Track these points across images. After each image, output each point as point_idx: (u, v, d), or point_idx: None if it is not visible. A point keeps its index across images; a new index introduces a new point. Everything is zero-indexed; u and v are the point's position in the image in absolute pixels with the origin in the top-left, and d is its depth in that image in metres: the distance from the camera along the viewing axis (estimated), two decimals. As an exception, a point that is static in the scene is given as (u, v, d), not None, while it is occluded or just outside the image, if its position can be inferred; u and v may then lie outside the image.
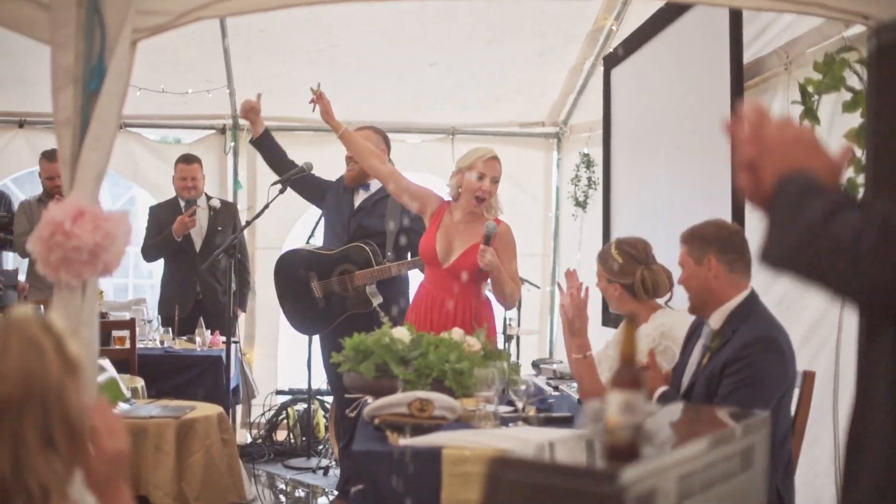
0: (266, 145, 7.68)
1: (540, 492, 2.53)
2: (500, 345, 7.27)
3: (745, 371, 4.15)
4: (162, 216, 8.84)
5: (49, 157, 8.60)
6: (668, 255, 5.73)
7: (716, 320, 4.43)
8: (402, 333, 5.06)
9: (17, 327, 2.19)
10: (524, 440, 4.09)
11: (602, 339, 5.61)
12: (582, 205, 9.65)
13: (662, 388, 4.49)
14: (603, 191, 8.70)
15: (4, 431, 2.10)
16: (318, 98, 6.56)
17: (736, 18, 5.81)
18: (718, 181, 5.91)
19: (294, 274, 7.41)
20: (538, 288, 9.67)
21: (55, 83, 3.77)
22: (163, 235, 8.64)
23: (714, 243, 4.45)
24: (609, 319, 7.87)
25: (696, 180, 6.53)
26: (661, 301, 5.25)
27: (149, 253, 8.88)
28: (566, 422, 4.73)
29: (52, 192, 8.58)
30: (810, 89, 4.86)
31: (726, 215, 5.58)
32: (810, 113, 4.90)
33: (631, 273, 5.16)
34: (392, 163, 7.01)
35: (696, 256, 4.45)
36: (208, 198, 8.87)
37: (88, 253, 3.67)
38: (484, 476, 2.54)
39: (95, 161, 3.73)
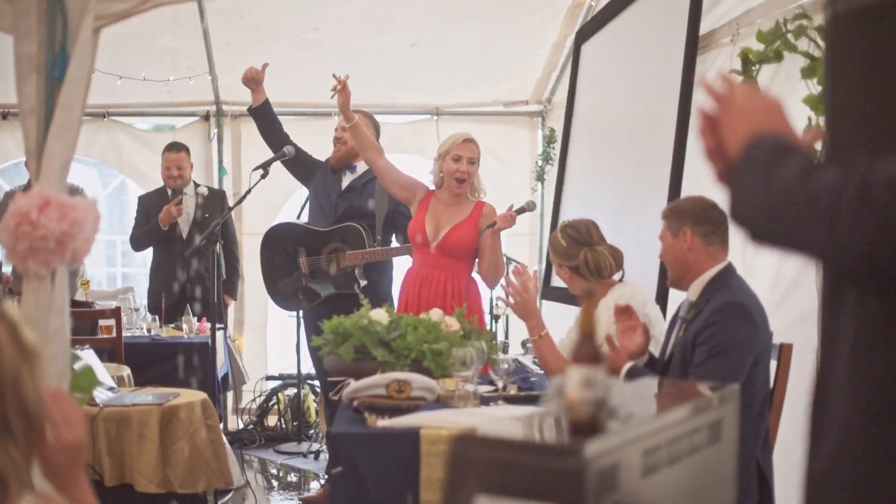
0: (264, 115, 7.70)
1: (503, 468, 2.53)
2: (488, 324, 7.26)
3: (714, 338, 4.19)
4: (150, 206, 8.83)
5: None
6: (618, 233, 5.78)
7: (693, 292, 4.48)
8: (380, 315, 5.06)
9: None
10: (500, 419, 4.09)
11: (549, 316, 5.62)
12: (540, 179, 9.69)
13: (628, 365, 4.49)
14: (558, 167, 8.71)
15: None
16: (342, 89, 6.59)
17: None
18: (664, 161, 5.93)
19: (282, 246, 7.45)
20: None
21: (19, 72, 3.76)
22: (149, 225, 8.64)
23: (689, 216, 4.49)
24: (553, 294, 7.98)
25: (645, 159, 6.55)
26: (616, 278, 5.27)
27: (137, 242, 8.88)
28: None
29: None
30: (752, 58, 4.89)
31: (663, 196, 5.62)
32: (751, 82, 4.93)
33: (575, 255, 5.18)
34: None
35: (674, 230, 4.49)
36: (196, 185, 8.85)
37: (55, 242, 3.65)
38: (447, 454, 2.54)
39: (61, 150, 3.72)
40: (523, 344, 7.68)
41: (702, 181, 5.67)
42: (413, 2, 8.15)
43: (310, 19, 8.39)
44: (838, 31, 2.71)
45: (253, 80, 7.61)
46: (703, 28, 5.91)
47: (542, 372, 5.72)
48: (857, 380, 2.03)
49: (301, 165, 7.67)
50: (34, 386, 2.19)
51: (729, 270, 4.45)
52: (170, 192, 8.76)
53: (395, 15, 8.37)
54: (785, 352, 4.51)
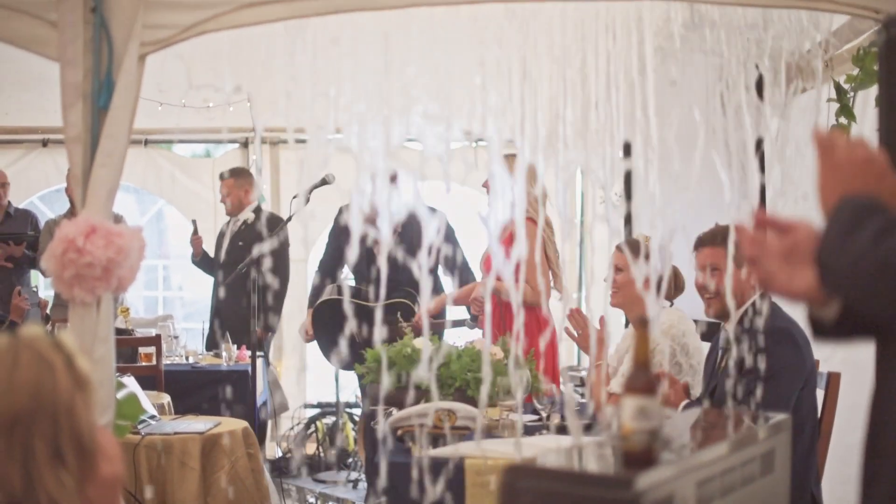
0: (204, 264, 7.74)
1: (555, 499, 2.50)
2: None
3: (762, 365, 4.14)
4: (218, 236, 8.96)
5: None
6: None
7: (731, 320, 4.45)
8: (424, 343, 5.02)
9: (28, 344, 2.21)
10: (545, 448, 4.04)
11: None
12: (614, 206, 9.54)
13: (685, 402, 4.44)
14: (624, 189, 8.62)
15: (15, 445, 2.11)
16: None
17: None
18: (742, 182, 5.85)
19: (335, 324, 7.41)
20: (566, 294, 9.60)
21: (65, 100, 3.77)
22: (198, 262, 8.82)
23: None
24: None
25: (720, 180, 6.48)
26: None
27: (194, 262, 9.10)
28: (588, 429, 4.69)
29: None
30: (846, 86, 4.80)
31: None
32: (846, 110, 4.84)
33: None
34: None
35: (739, 261, 4.43)
36: (252, 212, 8.78)
37: (101, 269, 3.65)
38: (499, 484, 2.51)
39: (107, 177, 3.72)
40: (562, 372, 7.64)
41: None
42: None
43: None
44: (893, 54, 2.68)
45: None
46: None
47: (583, 401, 5.68)
48: None
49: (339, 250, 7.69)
50: (87, 415, 2.22)
51: (768, 297, 4.43)
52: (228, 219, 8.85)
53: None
54: (833, 381, 4.46)
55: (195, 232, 8.74)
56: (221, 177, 8.84)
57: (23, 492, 2.11)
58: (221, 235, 8.82)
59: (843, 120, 4.86)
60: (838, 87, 4.86)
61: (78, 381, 2.21)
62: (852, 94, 4.81)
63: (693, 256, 4.78)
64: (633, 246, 5.15)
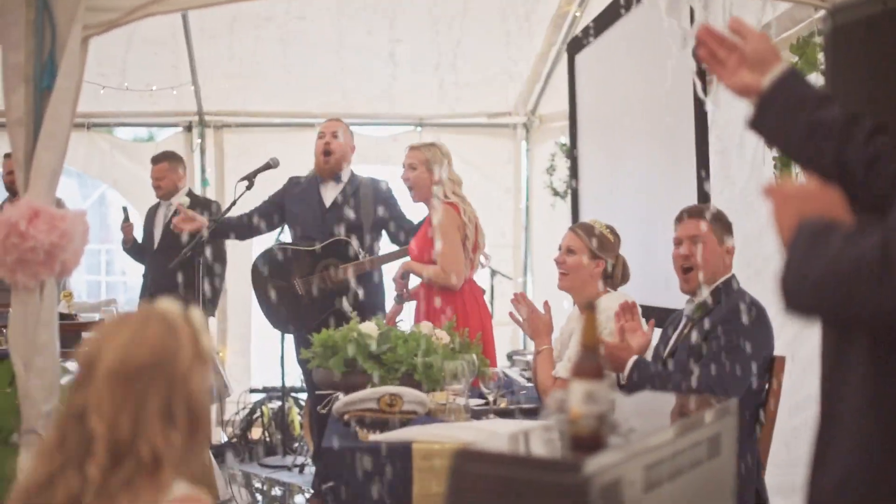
0: (222, 232, 7.61)
1: (504, 484, 2.50)
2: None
3: (732, 333, 4.24)
4: (145, 219, 8.86)
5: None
6: (640, 242, 5.69)
7: (699, 295, 4.55)
8: (370, 328, 5.02)
9: (160, 310, 2.35)
10: (493, 433, 4.05)
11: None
12: (562, 195, 9.55)
13: (634, 358, 4.48)
14: (570, 179, 8.64)
15: (130, 397, 2.22)
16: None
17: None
18: (684, 167, 5.87)
19: (273, 275, 7.33)
20: (510, 279, 9.63)
21: (7, 83, 3.74)
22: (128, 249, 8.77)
23: (729, 226, 4.62)
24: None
25: (663, 166, 6.49)
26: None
27: (125, 250, 8.98)
28: (535, 413, 4.70)
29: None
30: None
31: (692, 200, 5.55)
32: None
33: (613, 254, 5.13)
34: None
35: (720, 237, 4.57)
36: (185, 196, 8.73)
37: (45, 253, 3.63)
38: (448, 469, 2.51)
39: (50, 160, 3.69)
40: (508, 356, 7.66)
41: (721, 182, 5.66)
42: (392, 9, 8.05)
43: (294, 9, 8.25)
44: (838, 43, 2.70)
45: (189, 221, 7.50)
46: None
47: (530, 385, 5.69)
48: (876, 409, 2.12)
49: (268, 215, 7.63)
50: (202, 389, 2.33)
51: (734, 278, 4.59)
52: (158, 201, 8.76)
53: (376, 23, 8.27)
54: (778, 365, 4.49)
55: (126, 219, 8.68)
56: (154, 160, 8.77)
57: (129, 441, 2.21)
58: (150, 219, 8.75)
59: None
60: None
61: (199, 355, 2.32)
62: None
63: (645, 238, 4.82)
64: (587, 229, 5.17)
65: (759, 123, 2.55)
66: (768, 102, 2.53)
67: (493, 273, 9.13)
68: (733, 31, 2.59)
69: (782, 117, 2.44)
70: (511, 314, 5.29)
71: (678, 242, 4.61)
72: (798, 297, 2.08)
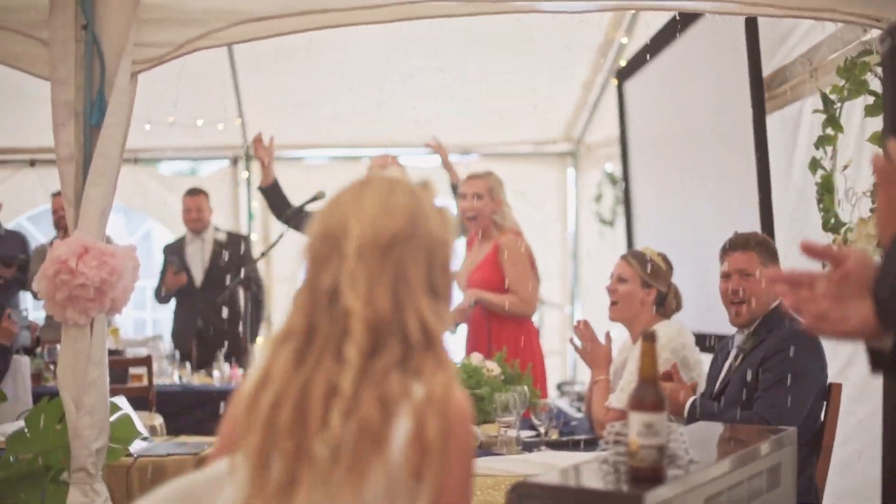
0: (273, 194, 7.58)
1: (562, 518, 2.47)
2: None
3: (785, 363, 4.20)
4: (171, 256, 8.84)
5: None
6: (696, 268, 5.62)
7: (750, 325, 4.49)
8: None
9: (394, 177, 2.20)
10: (547, 465, 4.01)
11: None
12: (610, 223, 9.51)
13: (692, 398, 4.42)
14: (624, 207, 8.60)
15: (388, 269, 2.06)
16: (438, 147, 6.59)
17: (752, 25, 5.71)
18: (744, 193, 5.82)
19: None
20: (558, 308, 9.60)
21: (56, 119, 3.74)
22: (163, 294, 8.71)
23: (777, 258, 4.55)
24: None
25: (720, 193, 6.44)
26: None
27: (160, 299, 8.95)
28: (590, 444, 4.65)
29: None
30: (832, 96, 4.78)
31: (754, 227, 5.49)
32: (832, 121, 4.82)
33: (666, 282, 5.07)
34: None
35: (768, 266, 4.49)
36: (215, 230, 8.83)
37: (95, 290, 3.62)
38: (505, 502, 2.48)
39: (99, 196, 3.69)
40: (559, 387, 7.61)
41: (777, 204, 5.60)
42: (430, 38, 8.03)
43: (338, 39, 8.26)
44: (897, 63, 2.67)
45: (265, 152, 7.47)
46: (773, 61, 5.79)
47: (580, 416, 5.64)
48: None
49: None
50: (454, 255, 2.19)
51: (783, 305, 4.44)
52: (189, 234, 8.76)
53: (417, 52, 8.26)
54: (834, 392, 4.41)
55: (179, 269, 8.64)
56: (192, 193, 8.80)
57: (391, 317, 2.04)
58: (178, 254, 8.75)
59: (829, 131, 4.85)
60: (825, 98, 4.84)
61: (445, 220, 2.18)
62: (839, 104, 4.79)
63: (701, 264, 4.78)
64: (638, 257, 5.12)
65: None
66: None
67: (542, 302, 9.09)
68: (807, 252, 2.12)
69: None
70: (571, 340, 5.23)
71: (726, 276, 4.55)
72: (888, 313, 1.94)
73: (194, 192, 8.84)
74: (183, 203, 8.85)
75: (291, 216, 7.22)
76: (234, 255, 8.60)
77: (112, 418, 3.95)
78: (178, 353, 8.35)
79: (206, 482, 2.12)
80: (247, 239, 9.01)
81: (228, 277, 8.09)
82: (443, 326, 2.09)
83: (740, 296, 4.45)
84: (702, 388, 4.67)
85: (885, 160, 2.04)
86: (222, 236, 8.83)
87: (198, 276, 8.69)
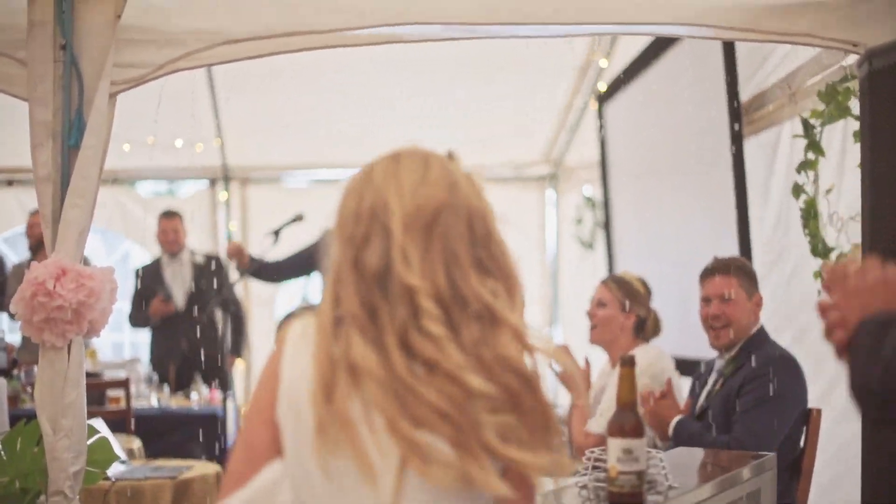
0: (257, 269, 7.64)
1: (542, 545, 2.45)
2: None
3: (764, 388, 4.23)
4: (146, 278, 8.79)
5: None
6: (676, 291, 5.63)
7: (731, 349, 4.51)
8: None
9: (426, 150, 2.10)
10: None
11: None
12: (590, 245, 9.50)
13: (678, 418, 4.42)
14: (605, 230, 8.61)
15: (436, 243, 1.96)
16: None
17: (729, 49, 5.75)
18: (723, 216, 5.84)
19: None
20: (538, 331, 9.58)
21: (34, 139, 3.72)
22: (144, 312, 8.62)
23: (755, 279, 4.57)
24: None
25: (699, 216, 6.46)
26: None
27: (135, 325, 8.92)
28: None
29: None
30: (812, 121, 4.79)
31: (733, 250, 5.51)
32: (814, 146, 4.83)
33: (645, 306, 5.07)
34: None
35: (749, 291, 4.52)
36: (192, 253, 8.81)
37: (72, 312, 3.60)
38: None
39: (78, 217, 3.67)
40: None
41: (755, 227, 5.61)
42: (413, 63, 8.04)
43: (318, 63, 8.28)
44: (876, 87, 2.67)
45: (238, 254, 7.56)
46: (750, 85, 5.81)
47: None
48: None
49: (295, 268, 7.66)
50: (499, 231, 2.08)
51: (764, 330, 4.53)
52: (165, 257, 8.72)
53: (394, 77, 8.27)
54: (814, 418, 4.41)
55: (168, 297, 8.60)
56: (168, 215, 8.78)
57: (451, 293, 1.93)
58: (156, 277, 8.71)
59: (811, 155, 4.87)
60: (805, 123, 4.86)
61: (481, 192, 2.09)
62: (819, 128, 4.81)
63: (681, 287, 4.78)
64: (617, 281, 5.13)
65: None
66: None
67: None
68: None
69: None
70: (550, 365, 5.20)
71: (706, 300, 4.56)
72: (870, 399, 1.96)
73: (170, 215, 8.82)
74: (159, 225, 8.82)
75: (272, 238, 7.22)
76: (212, 278, 8.58)
77: (90, 441, 3.92)
78: (156, 376, 8.31)
79: (263, 491, 1.99)
80: (222, 260, 8.99)
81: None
82: (502, 303, 1.97)
83: (721, 320, 4.46)
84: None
85: (833, 267, 2.13)
86: (200, 259, 8.81)
87: (179, 300, 8.65)
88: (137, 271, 8.99)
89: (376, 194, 1.99)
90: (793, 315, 5.21)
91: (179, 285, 8.66)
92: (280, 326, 7.40)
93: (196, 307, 8.25)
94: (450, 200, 2.00)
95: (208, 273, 8.66)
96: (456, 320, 1.93)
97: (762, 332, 4.50)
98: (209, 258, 8.93)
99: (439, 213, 1.98)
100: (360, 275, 1.96)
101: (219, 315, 7.96)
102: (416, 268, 1.93)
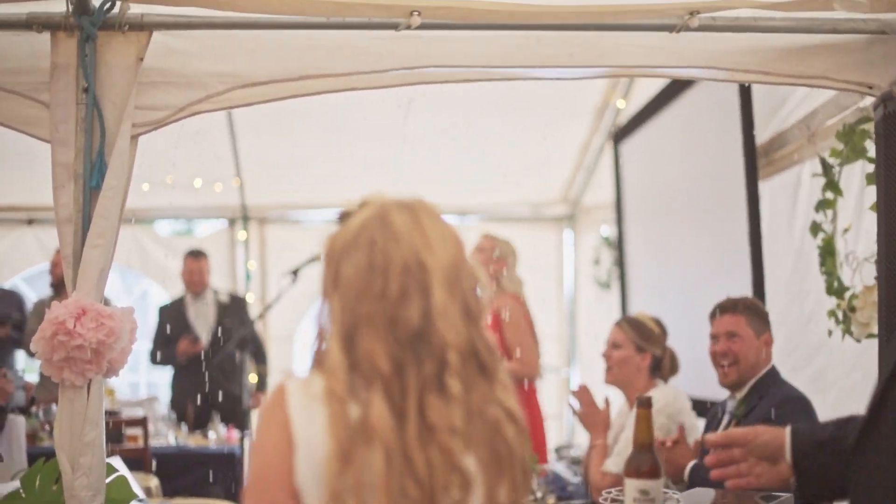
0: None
1: (559, 586, 2.46)
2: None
3: None
4: (170, 317, 8.83)
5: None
6: (691, 332, 5.63)
7: (741, 390, 4.49)
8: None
9: (427, 203, 2.13)
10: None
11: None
12: (606, 285, 9.49)
13: (692, 463, 4.41)
14: (619, 270, 8.62)
15: (459, 297, 1.99)
16: None
17: (745, 91, 5.77)
18: (737, 257, 5.84)
19: None
20: (556, 370, 9.58)
21: (56, 181, 3.75)
22: (168, 351, 8.65)
23: (767, 321, 4.57)
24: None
25: (714, 257, 6.47)
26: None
27: (155, 360, 8.93)
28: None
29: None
30: (831, 160, 4.81)
31: (746, 291, 5.51)
32: (832, 185, 4.85)
33: (660, 346, 5.08)
34: None
35: (757, 330, 4.52)
36: (216, 293, 8.86)
37: (92, 352, 3.62)
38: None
39: (98, 258, 3.70)
40: (556, 451, 7.58)
41: (774, 267, 5.60)
42: (429, 103, 8.07)
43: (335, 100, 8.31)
44: (890, 131, 2.68)
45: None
46: (770, 125, 5.82)
47: (576, 480, 5.62)
48: None
49: None
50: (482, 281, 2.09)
51: (775, 371, 4.51)
52: (189, 296, 8.75)
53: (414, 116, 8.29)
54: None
55: (195, 339, 8.64)
56: (195, 255, 8.83)
57: (469, 346, 1.97)
58: (180, 316, 8.76)
59: (829, 195, 4.88)
60: (823, 163, 4.87)
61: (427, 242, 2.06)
62: (838, 168, 4.82)
63: (695, 328, 4.79)
64: (632, 322, 5.15)
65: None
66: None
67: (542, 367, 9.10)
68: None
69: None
70: (570, 404, 5.25)
71: (714, 338, 4.58)
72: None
73: (197, 255, 8.87)
74: (185, 264, 8.86)
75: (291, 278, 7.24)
76: (236, 318, 8.61)
77: (108, 479, 3.93)
78: (174, 414, 8.34)
79: None
80: (244, 302, 9.05)
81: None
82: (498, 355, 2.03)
83: (728, 357, 4.47)
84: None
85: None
86: (225, 298, 8.86)
87: (203, 338, 8.68)
88: (160, 310, 9.03)
89: (408, 250, 1.98)
90: (810, 356, 5.21)
91: (203, 324, 8.71)
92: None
93: (219, 346, 8.29)
94: (463, 255, 2.03)
95: (232, 312, 8.71)
96: (469, 375, 1.97)
97: (773, 372, 4.49)
98: (233, 297, 8.99)
99: (460, 268, 2.01)
100: (394, 332, 1.95)
101: (236, 355, 8.00)
102: (452, 322, 1.96)
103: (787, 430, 2.42)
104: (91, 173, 3.73)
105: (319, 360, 2.03)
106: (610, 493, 2.89)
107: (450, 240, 2.03)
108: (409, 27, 3.86)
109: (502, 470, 1.96)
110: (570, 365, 10.18)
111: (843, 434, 2.31)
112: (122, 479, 4.09)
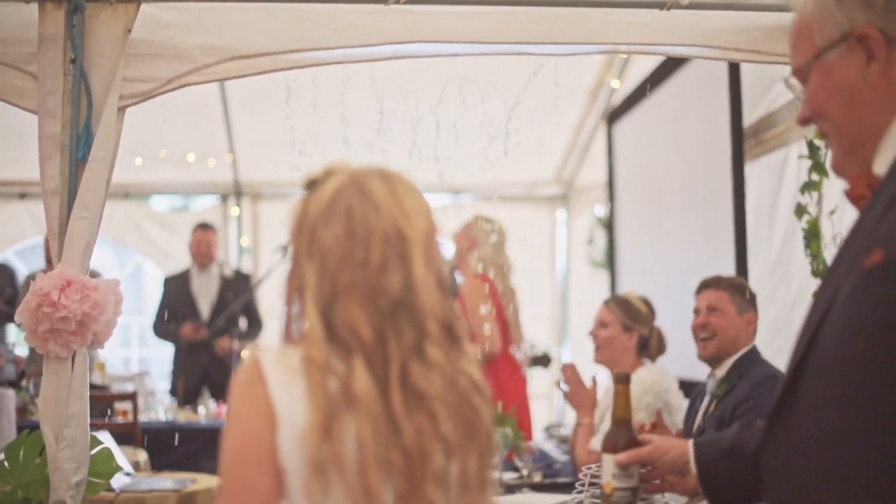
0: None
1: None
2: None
3: (756, 409, 4.15)
4: (174, 289, 8.83)
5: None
6: (678, 312, 5.65)
7: (721, 368, 4.45)
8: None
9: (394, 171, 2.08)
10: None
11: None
12: (602, 265, 9.49)
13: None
14: (609, 250, 8.63)
15: (434, 266, 1.97)
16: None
17: (734, 72, 5.76)
18: (723, 238, 5.85)
19: None
20: (547, 350, 9.59)
21: (42, 152, 3.75)
22: (173, 330, 8.64)
23: (753, 302, 4.54)
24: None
25: (703, 237, 6.47)
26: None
27: (158, 336, 8.94)
28: (569, 487, 4.65)
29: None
30: (817, 142, 4.80)
31: (730, 272, 5.51)
32: (818, 167, 4.85)
33: (648, 325, 5.09)
34: None
35: (740, 307, 4.48)
36: (221, 266, 8.86)
37: (77, 323, 3.62)
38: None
39: (84, 230, 3.69)
40: (546, 429, 7.59)
41: (754, 253, 5.60)
42: (424, 80, 8.07)
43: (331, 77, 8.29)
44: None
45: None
46: (760, 107, 5.82)
47: (566, 458, 5.63)
48: None
49: None
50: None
51: (756, 350, 4.49)
52: (195, 268, 8.76)
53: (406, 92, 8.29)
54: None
55: (200, 326, 8.64)
56: (203, 227, 8.82)
57: (443, 314, 1.94)
58: (184, 289, 8.76)
59: (815, 176, 4.88)
60: (811, 144, 4.87)
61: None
62: (825, 150, 4.82)
63: (683, 308, 4.79)
64: (619, 301, 5.15)
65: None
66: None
67: (531, 345, 9.09)
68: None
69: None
70: (557, 383, 5.26)
71: (696, 312, 4.58)
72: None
73: (205, 227, 8.89)
74: (193, 236, 8.86)
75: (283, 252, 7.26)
76: (238, 293, 8.62)
77: (92, 452, 3.93)
78: (170, 388, 8.38)
79: None
80: (249, 279, 9.05)
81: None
82: (453, 313, 1.99)
83: (706, 330, 4.46)
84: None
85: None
86: (229, 272, 8.87)
87: (204, 311, 8.69)
88: (165, 281, 9.04)
89: (388, 219, 1.95)
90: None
91: (205, 297, 8.71)
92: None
93: (219, 321, 8.34)
94: (433, 225, 2.00)
95: (234, 287, 8.70)
96: (444, 345, 1.95)
97: (753, 352, 4.46)
98: (238, 273, 8.99)
99: (432, 238, 1.99)
100: (375, 301, 1.92)
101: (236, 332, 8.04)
102: (432, 290, 1.94)
103: (690, 443, 2.54)
104: (77, 145, 3.72)
105: (290, 331, 2.01)
106: (591, 468, 2.90)
107: (424, 210, 2.00)
108: (398, 2, 3.86)
109: (472, 439, 1.95)
110: (562, 344, 10.19)
111: (743, 438, 2.41)
112: (107, 451, 4.10)
